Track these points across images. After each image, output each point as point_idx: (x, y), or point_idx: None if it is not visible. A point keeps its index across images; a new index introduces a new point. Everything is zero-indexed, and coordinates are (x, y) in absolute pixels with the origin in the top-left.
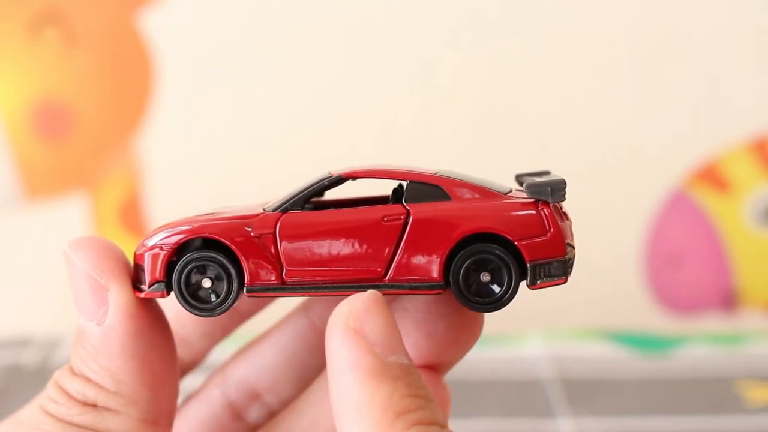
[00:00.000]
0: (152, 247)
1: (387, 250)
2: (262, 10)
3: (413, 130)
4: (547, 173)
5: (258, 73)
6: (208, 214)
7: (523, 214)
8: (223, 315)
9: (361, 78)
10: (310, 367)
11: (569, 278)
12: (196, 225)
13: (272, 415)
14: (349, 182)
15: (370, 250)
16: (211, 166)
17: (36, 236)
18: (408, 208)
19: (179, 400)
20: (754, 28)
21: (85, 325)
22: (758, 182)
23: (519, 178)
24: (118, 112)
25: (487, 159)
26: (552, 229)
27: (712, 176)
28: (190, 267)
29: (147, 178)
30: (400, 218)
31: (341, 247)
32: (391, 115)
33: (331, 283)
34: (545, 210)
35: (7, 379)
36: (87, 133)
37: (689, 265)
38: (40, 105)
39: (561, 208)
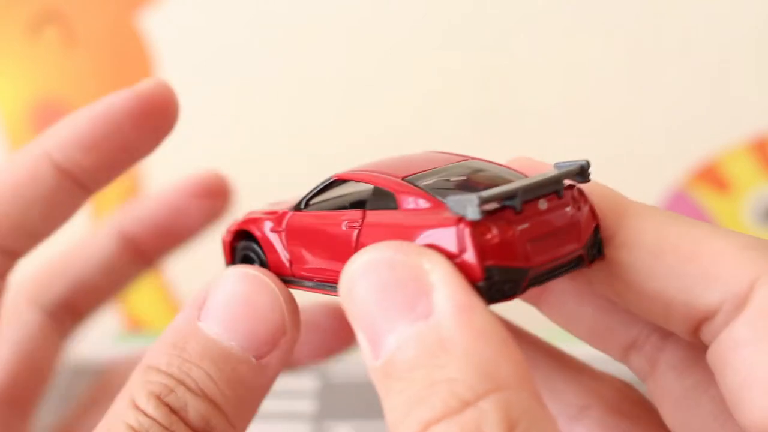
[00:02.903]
0: (225, 233)
1: (347, 255)
2: (262, 9)
3: (414, 128)
4: (583, 162)
5: (258, 73)
6: (273, 204)
7: (431, 235)
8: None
9: (362, 77)
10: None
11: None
12: (243, 218)
13: None
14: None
15: (334, 254)
16: (211, 166)
17: None
18: (365, 214)
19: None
20: (754, 28)
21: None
22: (758, 182)
23: (557, 165)
24: None
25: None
26: (465, 252)
27: (712, 176)
28: (242, 254)
29: (147, 178)
30: (357, 224)
31: (315, 249)
32: (391, 113)
33: (316, 281)
34: (465, 229)
35: None
36: None
37: None
38: (40, 105)
39: (517, 220)
